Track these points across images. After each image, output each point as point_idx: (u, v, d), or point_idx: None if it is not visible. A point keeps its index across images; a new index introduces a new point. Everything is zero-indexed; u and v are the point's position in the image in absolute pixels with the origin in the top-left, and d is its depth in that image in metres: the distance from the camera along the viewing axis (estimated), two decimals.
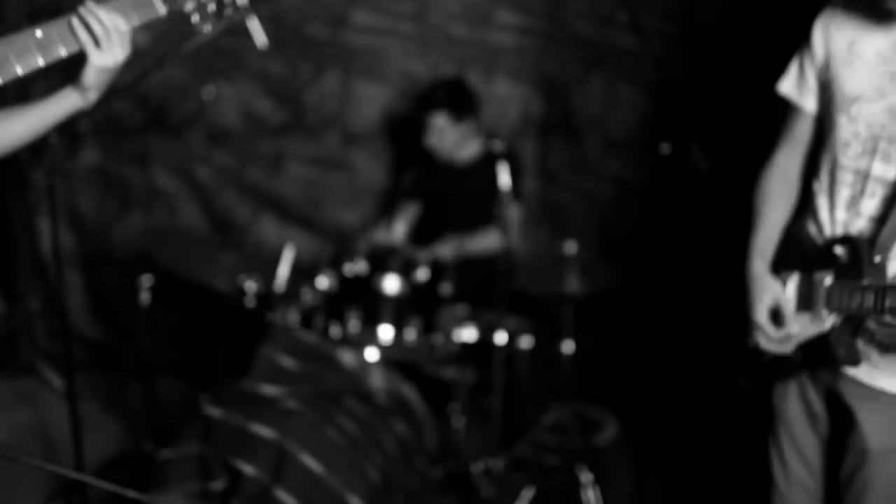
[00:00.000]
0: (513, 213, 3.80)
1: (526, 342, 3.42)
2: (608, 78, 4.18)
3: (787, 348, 2.02)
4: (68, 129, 2.24)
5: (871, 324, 1.85)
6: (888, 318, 1.78)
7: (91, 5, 1.75)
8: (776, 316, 2.04)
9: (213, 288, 3.20)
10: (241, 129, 4.54)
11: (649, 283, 3.29)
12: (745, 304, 2.13)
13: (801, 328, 1.99)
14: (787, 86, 2.13)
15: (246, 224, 4.52)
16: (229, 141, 4.57)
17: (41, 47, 1.72)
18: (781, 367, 2.09)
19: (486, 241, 3.74)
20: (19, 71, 1.71)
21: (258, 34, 2.99)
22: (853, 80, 1.93)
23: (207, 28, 1.97)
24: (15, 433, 3.75)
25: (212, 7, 1.95)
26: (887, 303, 1.74)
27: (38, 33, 1.72)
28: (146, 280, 3.31)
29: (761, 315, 2.04)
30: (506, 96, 4.34)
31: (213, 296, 3.25)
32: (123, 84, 2.37)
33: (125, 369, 4.43)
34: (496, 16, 4.29)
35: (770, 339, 2.04)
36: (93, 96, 1.83)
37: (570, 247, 3.40)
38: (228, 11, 2.02)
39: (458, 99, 3.86)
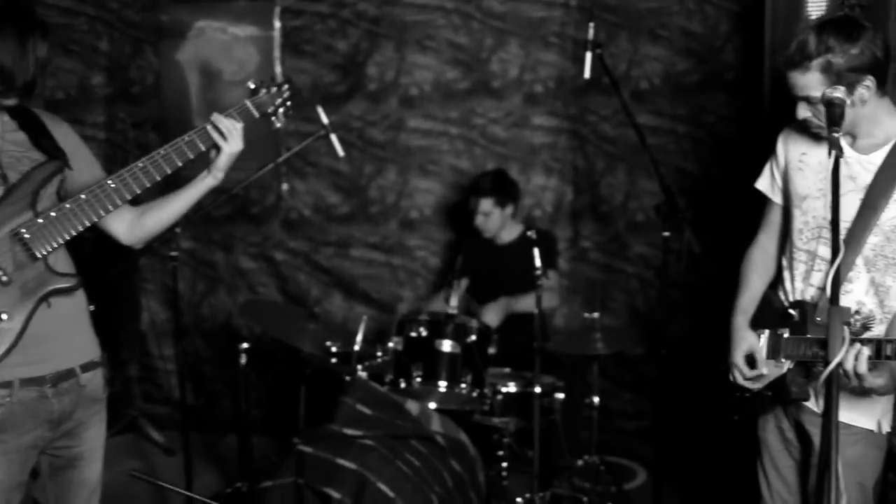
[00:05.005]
0: (552, 278, 4.36)
1: (560, 395, 3.84)
2: (629, 171, 4.70)
3: (757, 386, 2.53)
4: None
5: (818, 368, 2.36)
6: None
7: (217, 116, 2.46)
8: (751, 360, 2.55)
9: (301, 350, 3.74)
10: (312, 218, 5.18)
11: (666, 344, 3.71)
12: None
13: (769, 371, 2.52)
14: (762, 183, 2.67)
15: (317, 300, 5.10)
16: (303, 228, 5.20)
17: (190, 146, 2.44)
18: (759, 402, 2.62)
19: (529, 302, 4.27)
20: (179, 163, 2.42)
21: (337, 147, 3.71)
22: (803, 182, 2.48)
23: (281, 122, 2.69)
24: (122, 481, 4.30)
25: (282, 109, 2.68)
26: (819, 351, 2.25)
27: (187, 137, 2.44)
28: (243, 346, 3.87)
29: (738, 358, 2.56)
30: (541, 187, 4.89)
31: (301, 357, 3.79)
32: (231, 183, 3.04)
33: (215, 427, 5.00)
34: (532, 119, 4.87)
35: (744, 377, 2.55)
36: (221, 175, 2.51)
37: (597, 315, 3.86)
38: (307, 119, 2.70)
39: (502, 186, 4.40)
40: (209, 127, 2.46)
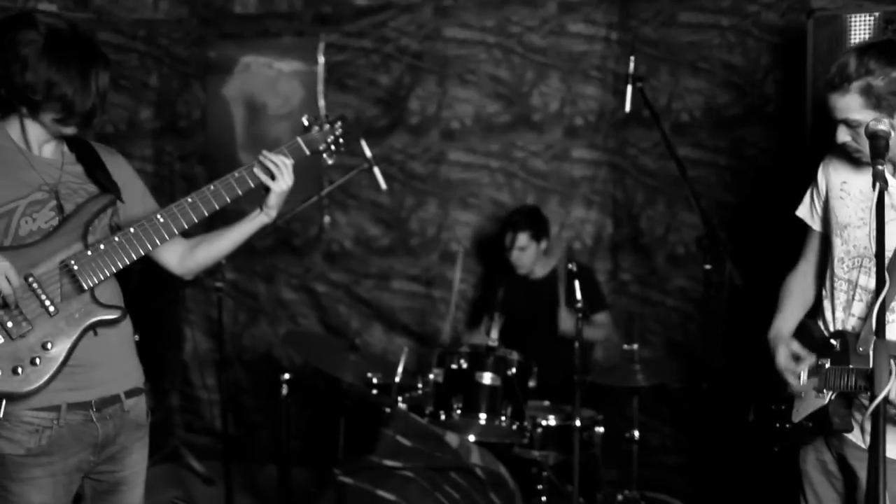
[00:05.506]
0: (603, 319, 4.38)
1: (600, 429, 3.84)
2: (668, 203, 4.69)
3: (810, 386, 2.44)
4: None
5: (861, 399, 2.35)
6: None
7: (266, 153, 2.49)
8: (797, 359, 2.47)
9: (342, 381, 3.78)
10: (354, 250, 5.23)
11: (707, 377, 3.69)
12: (776, 382, 2.62)
13: (811, 403, 2.50)
14: (802, 211, 2.68)
15: (357, 332, 5.09)
16: (344, 260, 5.25)
17: (239, 182, 2.47)
18: (800, 433, 2.58)
19: (593, 331, 4.30)
20: (228, 199, 2.46)
21: (380, 180, 3.76)
22: (844, 211, 2.48)
23: (332, 160, 2.71)
24: None
25: (333, 147, 2.70)
26: (862, 383, 2.25)
27: (236, 174, 2.47)
28: (285, 377, 3.92)
29: (783, 359, 2.49)
30: (581, 220, 4.90)
31: (341, 388, 3.82)
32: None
33: (256, 458, 5.03)
34: (571, 151, 4.88)
35: (795, 377, 2.46)
36: (273, 213, 2.54)
37: (637, 347, 3.87)
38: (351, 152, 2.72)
39: (537, 222, 4.45)
40: (257, 167, 2.49)
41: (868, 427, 2.03)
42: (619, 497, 3.96)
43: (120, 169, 2.49)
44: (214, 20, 5.31)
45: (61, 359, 2.24)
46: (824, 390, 2.44)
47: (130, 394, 2.42)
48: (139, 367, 2.50)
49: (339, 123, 2.69)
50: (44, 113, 2.26)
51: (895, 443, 2.29)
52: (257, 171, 2.49)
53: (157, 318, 5.08)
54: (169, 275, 2.61)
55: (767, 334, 2.62)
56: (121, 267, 2.33)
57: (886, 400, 1.93)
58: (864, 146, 2.30)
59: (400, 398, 3.74)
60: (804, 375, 2.50)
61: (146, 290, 4.02)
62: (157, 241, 2.37)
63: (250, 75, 5.28)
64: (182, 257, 2.57)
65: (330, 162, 2.72)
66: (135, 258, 2.34)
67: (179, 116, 5.43)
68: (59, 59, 2.22)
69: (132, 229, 2.35)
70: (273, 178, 2.49)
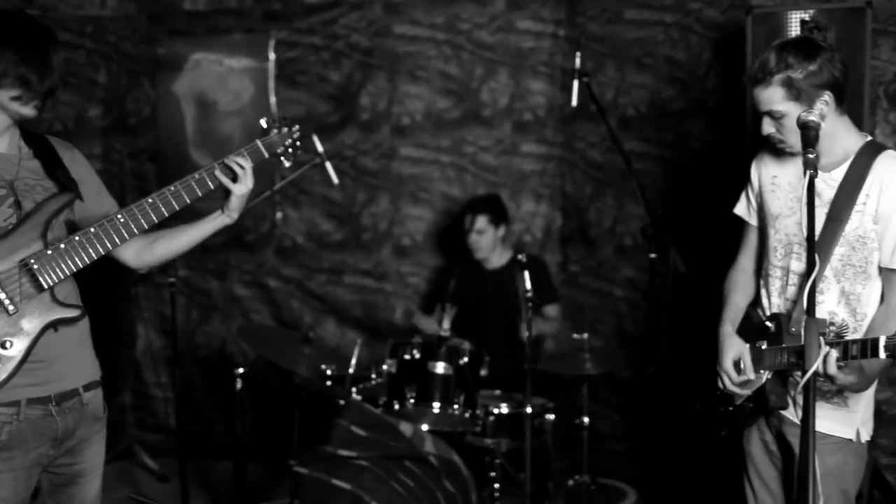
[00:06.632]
0: (553, 312, 4.46)
1: (551, 416, 3.92)
2: (616, 195, 4.79)
3: (745, 392, 2.57)
4: None
5: (796, 376, 2.46)
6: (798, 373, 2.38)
7: (228, 157, 2.51)
8: (737, 366, 2.59)
9: (296, 374, 3.80)
10: (306, 245, 5.25)
11: (653, 363, 3.78)
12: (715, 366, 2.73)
13: (750, 385, 2.61)
14: (739, 209, 2.81)
15: (310, 326, 5.05)
16: (296, 256, 5.27)
17: (199, 184, 2.47)
18: (743, 415, 2.70)
19: (540, 325, 4.38)
20: (188, 200, 2.46)
21: (332, 175, 3.79)
22: (776, 203, 2.61)
23: (290, 162, 2.74)
24: None
25: (291, 150, 2.73)
26: (794, 360, 2.36)
27: (197, 175, 2.47)
28: (239, 371, 3.92)
29: (727, 364, 2.60)
30: (531, 213, 4.98)
31: (295, 382, 3.83)
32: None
33: (210, 454, 5.02)
34: (520, 146, 4.97)
35: (732, 383, 2.59)
36: (235, 215, 2.56)
37: (586, 336, 3.96)
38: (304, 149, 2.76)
39: (496, 207, 4.55)
40: (218, 170, 2.50)
41: (801, 401, 2.14)
42: (570, 482, 4.05)
43: (77, 164, 2.49)
44: (163, 17, 5.29)
45: (20, 357, 2.24)
46: (761, 371, 2.55)
47: (88, 387, 2.44)
48: (96, 361, 2.51)
49: (296, 127, 2.73)
50: (1, 91, 2.25)
51: (826, 418, 2.42)
52: (218, 173, 2.49)
53: (109, 315, 5.04)
54: (121, 272, 2.61)
55: (719, 326, 2.70)
56: (80, 266, 2.33)
57: (816, 374, 2.04)
58: (788, 137, 2.44)
59: (354, 389, 3.78)
60: (741, 378, 2.58)
61: (97, 287, 3.99)
62: (118, 240, 2.37)
63: (200, 72, 5.27)
64: (139, 252, 2.58)
65: (287, 164, 2.74)
66: (94, 257, 2.34)
67: (129, 114, 5.40)
68: (14, 38, 2.23)
69: (93, 229, 2.34)
70: (234, 180, 2.50)
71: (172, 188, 2.45)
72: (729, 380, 2.61)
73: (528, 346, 3.66)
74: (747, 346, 2.61)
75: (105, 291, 4.42)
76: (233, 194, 2.51)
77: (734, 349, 2.61)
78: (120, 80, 5.38)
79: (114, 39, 5.34)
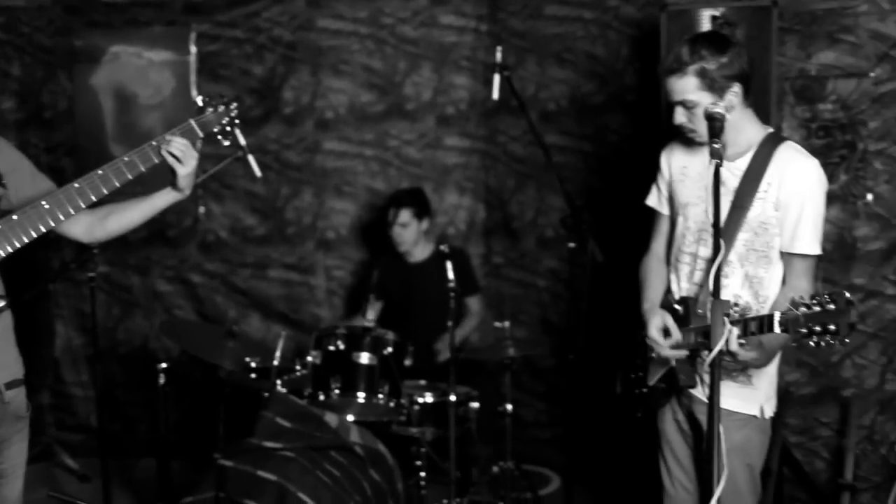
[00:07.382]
0: (475, 304, 4.52)
1: (475, 404, 3.96)
2: (537, 188, 4.88)
3: (681, 353, 2.61)
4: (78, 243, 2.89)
5: (704, 355, 2.52)
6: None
7: (167, 136, 2.45)
8: (665, 332, 2.64)
9: (220, 368, 3.77)
10: (229, 240, 5.22)
11: (573, 350, 3.87)
12: (634, 352, 2.83)
13: (661, 366, 2.72)
14: (651, 200, 2.91)
15: (234, 321, 5.05)
16: (219, 250, 5.23)
17: (129, 166, 2.41)
18: (656, 396, 2.80)
19: (465, 329, 4.43)
20: (117, 184, 2.41)
21: (255, 168, 3.76)
22: (685, 192, 2.72)
23: (228, 141, 2.69)
24: None
25: (229, 128, 2.67)
26: (701, 339, 2.47)
27: (126, 157, 2.42)
28: (162, 366, 3.88)
29: (654, 332, 2.64)
30: (455, 206, 5.05)
31: (219, 376, 3.80)
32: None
33: (133, 452, 4.95)
34: (444, 139, 5.03)
35: (662, 348, 2.62)
36: (187, 191, 2.53)
37: (508, 324, 4.00)
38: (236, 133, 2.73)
39: (420, 201, 4.57)
40: (165, 153, 2.44)
41: (707, 379, 2.23)
42: (495, 469, 4.10)
43: (2, 153, 2.44)
44: (80, 8, 5.18)
45: None
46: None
47: (11, 385, 2.40)
48: (19, 359, 2.47)
49: (234, 105, 2.66)
50: None
51: (732, 396, 2.54)
52: (165, 155, 2.44)
53: (26, 313, 4.90)
54: (35, 269, 2.56)
55: (641, 306, 2.78)
56: (1, 255, 2.28)
57: (721, 352, 2.14)
58: (699, 126, 2.54)
59: (279, 381, 3.77)
60: (670, 341, 2.64)
61: (13, 284, 3.91)
62: (42, 227, 2.32)
63: (119, 65, 5.18)
64: (90, 227, 2.55)
65: (226, 143, 2.68)
66: (17, 245, 2.30)
67: (44, 107, 5.27)
68: None
69: (14, 216, 2.30)
70: (180, 162, 2.45)
71: (100, 172, 2.40)
72: (660, 346, 2.64)
73: (451, 333, 3.70)
74: (667, 312, 2.68)
75: (20, 288, 4.32)
76: (178, 174, 2.47)
77: (657, 318, 2.67)
78: (35, 73, 5.24)
79: (27, 30, 5.20)
